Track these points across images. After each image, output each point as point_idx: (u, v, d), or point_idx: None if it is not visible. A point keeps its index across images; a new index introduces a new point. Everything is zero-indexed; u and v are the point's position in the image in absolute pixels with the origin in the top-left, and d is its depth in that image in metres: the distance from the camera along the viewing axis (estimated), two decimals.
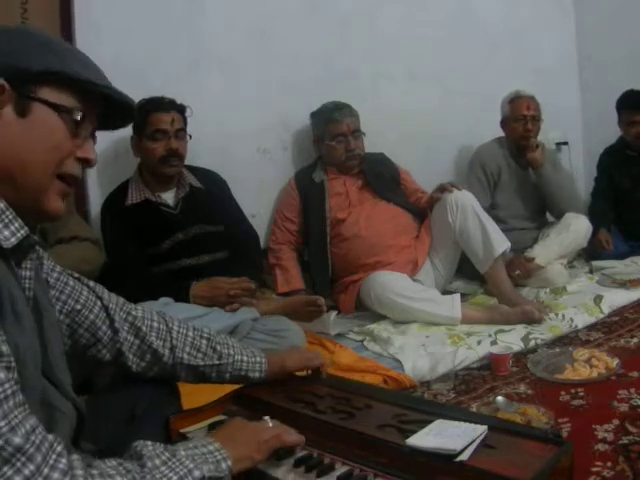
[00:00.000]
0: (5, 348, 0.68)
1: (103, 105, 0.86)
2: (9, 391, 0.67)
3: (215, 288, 2.03)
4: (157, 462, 0.77)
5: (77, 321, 1.02)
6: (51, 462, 0.67)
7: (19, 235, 0.76)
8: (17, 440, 0.65)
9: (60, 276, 1.01)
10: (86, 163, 0.85)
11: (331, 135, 2.65)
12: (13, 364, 0.69)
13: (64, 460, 0.69)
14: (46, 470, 0.66)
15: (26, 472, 0.65)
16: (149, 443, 0.81)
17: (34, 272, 0.84)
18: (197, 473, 0.79)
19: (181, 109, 2.18)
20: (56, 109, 0.79)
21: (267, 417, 0.98)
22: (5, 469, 0.64)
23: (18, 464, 0.65)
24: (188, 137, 2.22)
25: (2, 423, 0.65)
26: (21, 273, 0.82)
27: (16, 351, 0.71)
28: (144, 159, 2.19)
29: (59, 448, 0.69)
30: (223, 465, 0.83)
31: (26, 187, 0.78)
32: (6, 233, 0.75)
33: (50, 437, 0.69)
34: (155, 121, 2.11)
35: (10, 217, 0.76)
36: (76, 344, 1.04)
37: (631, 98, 3.03)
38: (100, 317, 1.05)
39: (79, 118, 0.81)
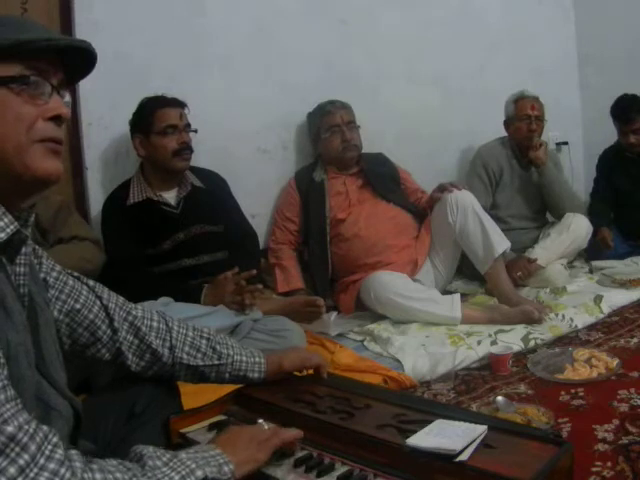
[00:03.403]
0: None
1: (60, 59, 0.83)
2: None
3: (220, 286, 2.01)
4: (158, 462, 0.77)
5: (77, 320, 1.02)
6: (47, 452, 0.67)
7: (9, 230, 0.76)
8: (10, 429, 0.65)
9: (60, 275, 1.01)
10: (57, 120, 0.82)
11: (325, 127, 2.66)
12: (2, 360, 0.68)
13: (60, 451, 0.68)
14: (42, 460, 0.66)
15: (21, 462, 0.64)
16: (150, 447, 0.81)
17: (28, 268, 0.84)
18: (199, 473, 0.78)
19: (184, 105, 2.20)
20: None
21: (261, 420, 0.98)
22: None
23: (12, 454, 0.64)
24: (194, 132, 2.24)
25: None
26: (14, 269, 0.81)
27: (7, 347, 0.71)
28: (153, 156, 2.17)
29: (55, 439, 0.69)
30: (225, 469, 0.83)
31: (8, 164, 0.77)
32: None
33: (45, 428, 0.69)
34: (164, 117, 2.13)
35: None
36: (75, 343, 1.03)
37: (618, 108, 3.00)
38: (100, 316, 1.05)
39: (26, 82, 0.78)
